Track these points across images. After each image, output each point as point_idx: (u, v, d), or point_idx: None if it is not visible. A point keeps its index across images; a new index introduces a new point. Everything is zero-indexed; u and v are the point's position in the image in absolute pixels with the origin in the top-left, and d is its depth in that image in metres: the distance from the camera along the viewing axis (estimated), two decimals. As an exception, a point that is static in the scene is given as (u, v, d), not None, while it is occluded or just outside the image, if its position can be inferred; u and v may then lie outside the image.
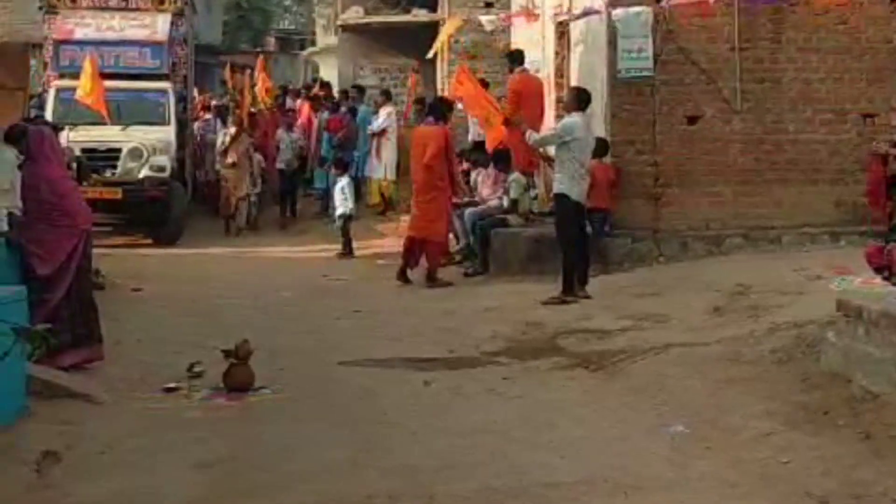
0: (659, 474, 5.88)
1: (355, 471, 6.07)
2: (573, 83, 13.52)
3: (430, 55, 18.57)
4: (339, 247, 15.64)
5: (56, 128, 9.82)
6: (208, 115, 21.18)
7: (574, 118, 11.26)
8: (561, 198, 11.21)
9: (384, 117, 18.69)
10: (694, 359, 8.20)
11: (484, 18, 17.61)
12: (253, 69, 22.17)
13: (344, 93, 21.71)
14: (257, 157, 18.81)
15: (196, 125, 20.91)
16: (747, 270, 10.89)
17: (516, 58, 14.55)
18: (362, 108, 19.85)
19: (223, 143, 18.34)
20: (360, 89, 21.07)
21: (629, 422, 6.90)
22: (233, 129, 18.25)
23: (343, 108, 19.99)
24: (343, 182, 15.84)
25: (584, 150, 11.17)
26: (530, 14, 15.76)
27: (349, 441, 6.61)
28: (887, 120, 11.73)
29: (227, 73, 25.47)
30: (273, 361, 8.50)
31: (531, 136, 11.95)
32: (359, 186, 17.95)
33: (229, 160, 18.04)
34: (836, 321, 7.43)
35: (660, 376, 7.88)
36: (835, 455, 5.92)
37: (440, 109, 13.24)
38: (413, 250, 12.91)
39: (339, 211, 15.70)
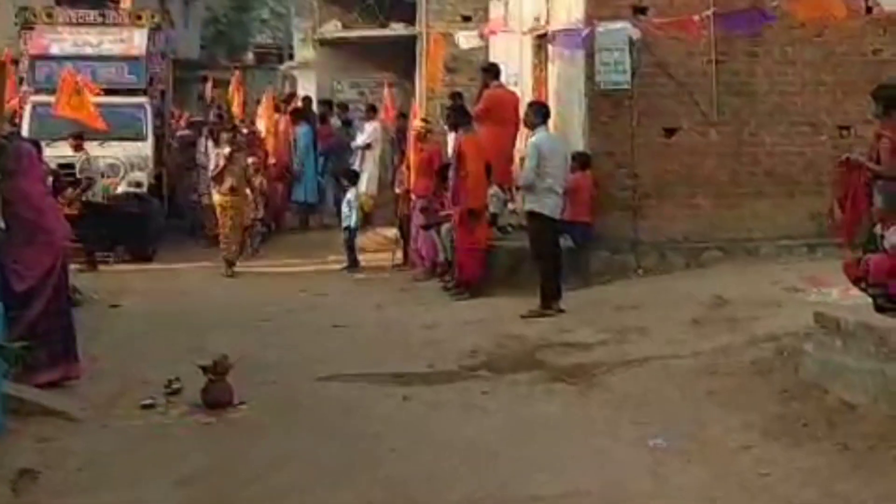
0: (639, 487, 5.90)
1: (337, 484, 6.05)
2: (551, 95, 13.55)
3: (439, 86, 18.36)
4: (317, 260, 15.55)
5: (38, 144, 9.72)
6: (187, 131, 20.26)
7: (537, 135, 11.29)
8: (533, 215, 11.21)
9: (369, 131, 18.68)
10: (673, 371, 8.23)
11: (462, 34, 17.61)
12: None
13: (343, 106, 21.65)
14: (259, 178, 17.14)
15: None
16: (726, 283, 10.93)
17: (491, 71, 14.48)
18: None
19: (216, 165, 15.32)
20: (328, 103, 21.10)
21: (609, 435, 6.91)
22: (227, 150, 15.25)
23: (334, 120, 19.95)
24: (350, 195, 15.80)
25: (552, 163, 11.14)
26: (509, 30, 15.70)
27: (331, 455, 6.59)
28: (862, 132, 11.80)
29: (208, 88, 25.31)
30: (253, 377, 8.45)
31: (517, 182, 11.80)
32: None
33: (226, 185, 15.11)
34: (814, 333, 7.48)
35: (640, 389, 7.91)
36: (813, 467, 5.95)
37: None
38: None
39: (344, 223, 15.66)
